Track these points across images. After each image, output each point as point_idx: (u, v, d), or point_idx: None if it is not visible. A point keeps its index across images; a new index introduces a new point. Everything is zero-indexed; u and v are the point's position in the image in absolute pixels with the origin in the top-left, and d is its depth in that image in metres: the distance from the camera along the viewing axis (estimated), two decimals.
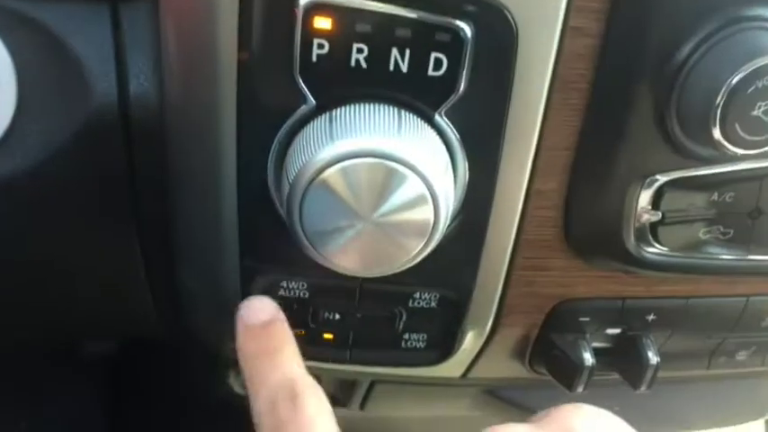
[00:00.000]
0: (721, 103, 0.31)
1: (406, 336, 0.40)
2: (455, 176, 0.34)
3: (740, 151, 0.32)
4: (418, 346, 0.40)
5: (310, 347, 0.40)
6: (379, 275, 0.34)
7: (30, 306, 0.46)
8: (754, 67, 0.31)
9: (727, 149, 0.32)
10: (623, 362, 0.42)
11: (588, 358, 0.41)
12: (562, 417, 0.31)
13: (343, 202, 0.31)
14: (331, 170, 0.30)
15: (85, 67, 0.36)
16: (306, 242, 0.32)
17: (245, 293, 0.38)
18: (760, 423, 0.69)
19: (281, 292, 0.38)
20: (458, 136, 0.33)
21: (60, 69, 0.37)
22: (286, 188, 0.32)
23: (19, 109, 0.36)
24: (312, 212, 0.31)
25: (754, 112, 0.31)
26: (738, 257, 0.38)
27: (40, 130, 0.37)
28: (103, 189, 0.38)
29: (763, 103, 0.31)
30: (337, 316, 0.39)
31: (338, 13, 0.31)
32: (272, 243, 0.36)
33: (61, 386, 0.80)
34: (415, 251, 0.32)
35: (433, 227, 0.32)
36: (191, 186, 0.37)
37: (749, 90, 0.31)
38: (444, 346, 0.40)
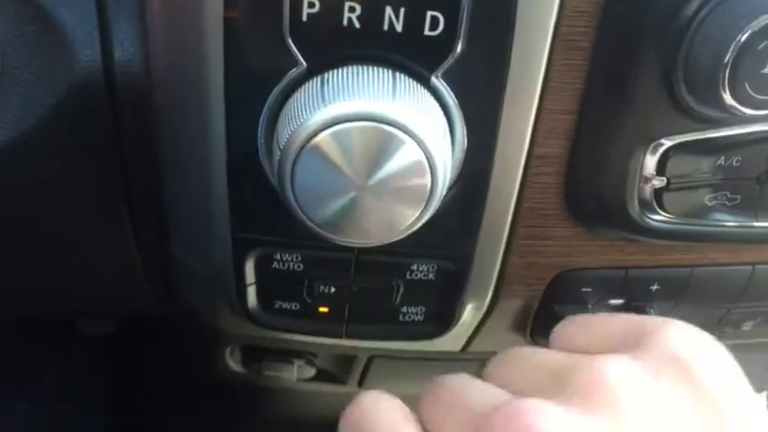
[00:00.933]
0: (730, 61, 0.30)
1: (404, 309, 0.39)
2: (453, 141, 0.33)
3: (750, 111, 0.31)
4: (416, 319, 0.39)
5: (305, 322, 0.39)
6: (374, 245, 0.32)
7: (19, 281, 0.45)
8: (764, 23, 0.29)
9: (737, 110, 0.31)
10: None
11: None
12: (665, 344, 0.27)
13: (336, 169, 0.29)
14: (323, 135, 0.29)
15: (68, 33, 0.35)
16: (298, 211, 0.31)
17: (238, 266, 0.37)
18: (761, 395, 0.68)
19: (275, 265, 0.37)
20: (455, 99, 0.32)
21: (42, 36, 0.35)
22: (277, 155, 0.31)
23: (0, 77, 0.35)
24: (304, 180, 0.30)
25: (765, 70, 0.30)
26: (745, 224, 0.37)
27: (23, 99, 0.35)
28: (90, 158, 0.37)
29: None
30: (333, 289, 0.38)
31: None
32: (263, 214, 0.35)
33: (60, 367, 0.80)
34: (412, 219, 0.31)
35: (430, 194, 0.31)
36: (179, 155, 0.35)
37: (759, 47, 0.30)
38: (443, 319, 0.39)
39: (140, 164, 0.36)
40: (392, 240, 0.32)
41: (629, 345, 0.27)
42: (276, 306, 0.39)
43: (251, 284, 0.38)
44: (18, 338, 0.72)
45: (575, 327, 0.31)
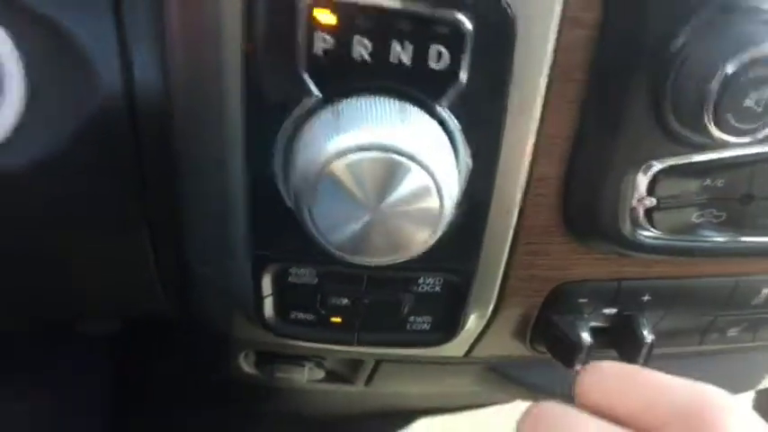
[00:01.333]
0: (714, 93, 0.32)
1: (412, 318, 0.41)
2: (457, 165, 0.35)
3: (732, 139, 0.34)
4: (423, 328, 0.42)
5: (318, 331, 0.42)
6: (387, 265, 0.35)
7: (36, 288, 0.47)
8: (745, 59, 0.31)
9: (720, 137, 0.33)
10: (620, 340, 0.43)
11: (586, 337, 0.42)
12: None
13: (350, 194, 0.32)
14: (338, 163, 0.31)
15: (90, 58, 0.37)
16: (317, 235, 0.33)
17: (256, 280, 0.39)
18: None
19: (291, 279, 0.39)
20: (459, 126, 0.34)
21: (66, 62, 0.37)
22: (294, 181, 0.33)
23: (28, 102, 0.37)
24: (321, 205, 0.32)
25: (746, 102, 0.32)
26: (730, 239, 0.39)
27: (48, 122, 0.37)
28: (112, 177, 0.39)
29: (755, 93, 0.32)
30: (345, 301, 0.40)
31: (340, 7, 0.31)
32: (280, 233, 0.37)
33: (64, 366, 0.81)
34: (422, 240, 0.34)
35: (438, 216, 0.33)
36: (198, 177, 0.38)
37: (741, 80, 0.32)
38: (448, 328, 0.42)
39: (160, 183, 0.39)
40: (404, 260, 0.34)
41: (684, 426, 0.26)
42: (291, 316, 0.41)
43: (267, 296, 0.40)
44: (19, 337, 0.74)
45: (612, 385, 0.28)
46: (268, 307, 0.41)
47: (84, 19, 0.37)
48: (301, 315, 0.41)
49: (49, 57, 0.37)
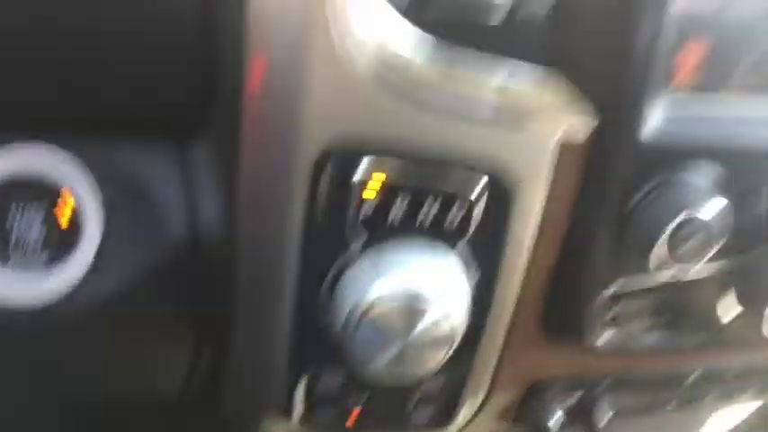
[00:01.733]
0: (664, 239, 0.42)
1: (416, 410, 0.49)
2: (467, 293, 0.43)
3: (676, 269, 0.44)
4: (423, 420, 0.50)
5: (337, 424, 0.49)
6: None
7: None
8: (684, 217, 0.42)
9: (669, 266, 0.43)
10: (584, 417, 0.53)
11: (559, 418, 0.52)
12: None
13: (386, 329, 0.40)
14: (377, 307, 0.39)
15: (160, 205, 0.43)
16: (357, 363, 0.40)
17: (291, 387, 0.46)
18: None
19: (320, 385, 0.46)
20: (469, 262, 0.43)
21: (138, 207, 0.43)
22: (339, 318, 0.40)
23: (103, 242, 0.42)
24: (362, 340, 0.40)
25: (687, 245, 0.42)
26: (672, 339, 0.49)
27: (120, 262, 0.43)
28: (173, 309, 0.45)
29: (693, 239, 0.42)
30: (364, 399, 0.48)
31: (384, 188, 0.39)
32: (318, 352, 0.44)
33: None
34: (441, 359, 0.42)
35: (453, 338, 0.41)
36: (252, 306, 0.44)
37: (682, 230, 0.42)
38: (445, 418, 0.50)
39: (215, 312, 0.45)
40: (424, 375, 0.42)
41: None
42: (317, 414, 0.48)
43: (299, 399, 0.47)
44: None
45: None
46: (298, 407, 0.47)
47: (156, 169, 0.42)
48: (325, 412, 0.48)
49: (122, 203, 0.42)
